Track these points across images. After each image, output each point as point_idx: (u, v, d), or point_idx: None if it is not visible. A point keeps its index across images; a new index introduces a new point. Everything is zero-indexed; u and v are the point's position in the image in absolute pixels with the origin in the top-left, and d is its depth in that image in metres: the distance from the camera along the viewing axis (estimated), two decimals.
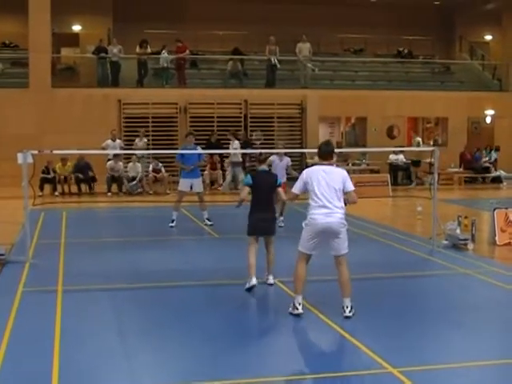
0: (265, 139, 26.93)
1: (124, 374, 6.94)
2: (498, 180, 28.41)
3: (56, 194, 23.64)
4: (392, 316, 8.95)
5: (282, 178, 15.16)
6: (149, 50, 28.86)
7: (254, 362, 7.36)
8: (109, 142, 24.62)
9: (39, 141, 23.89)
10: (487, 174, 29.01)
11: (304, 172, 8.99)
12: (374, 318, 8.69)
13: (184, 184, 16.43)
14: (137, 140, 25.74)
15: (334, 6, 33.40)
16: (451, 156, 27.84)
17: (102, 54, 28.61)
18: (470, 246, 13.49)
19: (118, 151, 24.33)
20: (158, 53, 28.87)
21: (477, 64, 35.50)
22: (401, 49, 34.96)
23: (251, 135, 27.41)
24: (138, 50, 28.68)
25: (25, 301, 9.58)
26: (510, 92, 31.83)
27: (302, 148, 27.66)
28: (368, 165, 28.46)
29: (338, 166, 9.97)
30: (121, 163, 24.67)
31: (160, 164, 24.71)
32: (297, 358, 7.57)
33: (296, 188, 8.94)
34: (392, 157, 27.72)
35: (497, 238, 14.06)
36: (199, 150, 16.89)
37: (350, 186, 8.75)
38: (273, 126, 28.67)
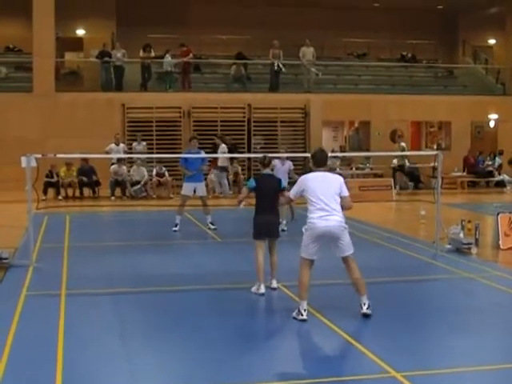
0: (268, 143, 26.94)
1: (126, 378, 6.94)
2: (501, 184, 28.36)
3: (59, 197, 23.67)
4: (395, 320, 8.94)
5: (285, 182, 15.18)
6: (152, 54, 28.90)
7: (256, 366, 7.35)
8: (112, 146, 24.66)
9: (43, 145, 23.93)
10: (491, 178, 28.98)
11: (301, 178, 9.14)
12: (377, 321, 8.68)
13: (187, 188, 16.42)
14: (134, 144, 25.81)
15: (337, 10, 33.45)
16: (454, 160, 27.81)
17: (106, 59, 28.64)
18: (474, 250, 13.47)
19: (121, 155, 24.36)
20: (162, 57, 28.91)
21: (480, 68, 35.48)
22: (404, 53, 34.94)
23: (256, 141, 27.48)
24: (141, 54, 28.72)
25: (28, 304, 9.59)
26: None
27: (305, 152, 27.62)
28: (372, 169, 28.45)
29: (334, 171, 10.01)
30: (124, 167, 24.69)
31: (164, 168, 24.72)
32: (299, 362, 7.56)
33: (292, 193, 9.17)
34: (395, 161, 27.69)
35: (500, 242, 14.03)
36: (203, 155, 16.89)
37: (346, 192, 8.90)
38: (276, 130, 28.68)
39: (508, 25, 33.81)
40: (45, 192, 22.72)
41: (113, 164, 24.50)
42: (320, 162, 9.06)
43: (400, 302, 10.08)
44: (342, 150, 29.00)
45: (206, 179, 19.46)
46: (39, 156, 12.51)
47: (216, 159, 24.98)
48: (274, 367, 7.29)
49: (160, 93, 28.49)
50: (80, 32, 33.31)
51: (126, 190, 24.37)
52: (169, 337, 8.28)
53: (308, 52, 29.57)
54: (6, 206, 20.63)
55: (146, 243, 15.16)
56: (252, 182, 10.58)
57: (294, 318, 8.78)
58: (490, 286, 10.89)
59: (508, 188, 27.81)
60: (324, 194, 8.69)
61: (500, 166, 29.52)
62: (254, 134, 28.09)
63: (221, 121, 27.93)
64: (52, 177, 23.69)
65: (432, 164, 20.94)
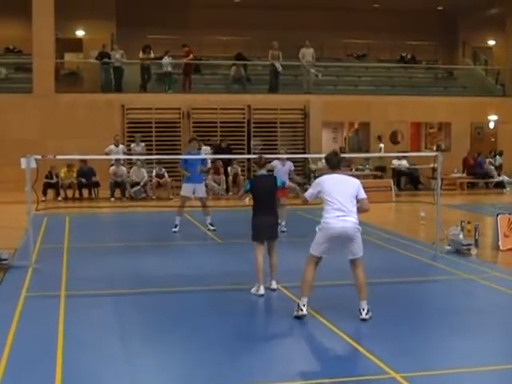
0: (267, 144, 26.93)
1: (126, 379, 6.94)
2: (501, 185, 28.36)
3: (59, 198, 23.67)
4: (395, 321, 8.94)
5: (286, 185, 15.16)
6: (152, 56, 28.89)
7: (256, 367, 7.35)
8: (112, 147, 24.66)
9: (42, 146, 23.92)
10: (490, 180, 28.98)
11: (317, 180, 9.16)
12: (377, 323, 8.68)
13: (186, 189, 16.42)
14: (133, 145, 25.80)
15: (337, 11, 33.45)
16: (454, 161, 27.80)
17: (105, 60, 28.63)
18: (474, 251, 13.47)
19: (120, 156, 24.35)
20: (161, 58, 28.90)
21: (480, 69, 35.47)
22: (404, 54, 34.95)
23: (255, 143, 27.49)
24: (141, 55, 28.71)
25: (28, 306, 9.59)
26: None
27: (304, 153, 27.67)
28: (371, 170, 28.45)
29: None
30: (123, 168, 24.68)
31: (163, 169, 24.73)
32: (298, 363, 7.54)
33: (308, 194, 9.09)
34: (395, 162, 27.72)
35: (500, 243, 14.04)
36: (203, 155, 16.90)
37: (363, 194, 8.88)
38: (276, 132, 28.67)
39: (508, 26, 33.81)
40: (44, 193, 22.71)
41: (112, 165, 24.50)
42: (335, 164, 9.06)
43: (400, 303, 10.08)
44: (342, 151, 28.98)
45: (205, 180, 19.47)
46: (39, 157, 12.51)
47: (215, 162, 25.01)
48: (274, 368, 7.28)
49: (159, 94, 28.48)
50: (80, 33, 33.31)
51: (125, 191, 24.36)
52: (168, 338, 8.27)
53: (308, 53, 29.58)
54: (5, 207, 20.63)
55: (146, 244, 15.16)
56: (246, 185, 10.61)
57: (295, 316, 8.78)
58: (490, 286, 10.89)
59: (508, 189, 27.80)
60: (340, 195, 8.69)
61: (500, 166, 29.50)
62: (254, 136, 28.09)
63: (220, 122, 27.92)
64: (51, 178, 23.68)
65: (432, 165, 20.94)
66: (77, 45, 32.76)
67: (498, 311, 9.66)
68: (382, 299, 9.68)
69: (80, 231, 17.12)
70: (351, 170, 27.63)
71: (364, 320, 8.70)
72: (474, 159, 29.17)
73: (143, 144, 26.08)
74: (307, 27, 31.92)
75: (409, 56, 34.90)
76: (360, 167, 28.44)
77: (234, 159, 25.49)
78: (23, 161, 12.09)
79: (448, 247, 13.64)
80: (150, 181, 24.75)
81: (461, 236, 13.90)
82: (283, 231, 15.30)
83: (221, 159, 24.83)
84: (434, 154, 14.99)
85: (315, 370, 7.38)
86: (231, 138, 27.04)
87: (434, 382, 6.87)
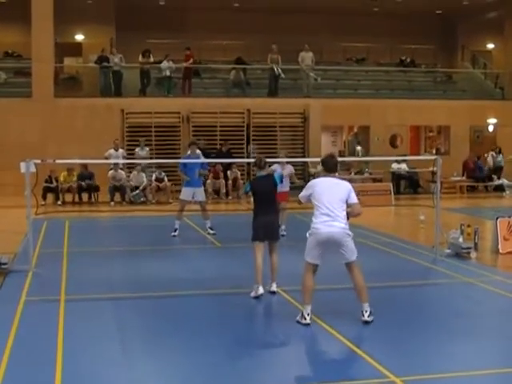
0: (267, 148, 26.94)
1: (125, 383, 6.95)
2: (500, 188, 28.35)
3: (59, 203, 23.67)
4: (395, 325, 8.94)
5: (285, 187, 15.15)
6: (151, 60, 28.90)
7: (256, 370, 7.35)
8: (111, 151, 24.65)
9: (42, 150, 23.88)
10: (490, 183, 28.98)
11: (310, 182, 9.17)
12: (376, 326, 8.67)
13: (186, 193, 16.42)
14: (137, 149, 25.75)
15: (336, 15, 33.47)
16: (454, 165, 27.80)
17: (105, 64, 28.64)
18: (473, 254, 13.47)
19: (120, 160, 24.35)
20: (161, 62, 28.90)
21: (479, 73, 35.51)
22: (403, 58, 34.99)
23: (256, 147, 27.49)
24: (140, 59, 28.71)
25: (28, 310, 9.58)
26: None
27: (304, 157, 27.67)
28: (371, 174, 28.45)
29: (342, 177, 9.99)
30: (122, 172, 24.68)
31: (163, 173, 24.73)
32: (298, 367, 7.55)
33: (301, 195, 9.11)
34: (395, 165, 27.72)
35: (500, 247, 14.04)
36: (202, 159, 16.90)
37: (355, 198, 8.86)
38: (275, 135, 28.67)
39: (506, 29, 33.83)
40: (44, 197, 22.73)
41: (111, 169, 24.49)
42: (330, 167, 9.07)
43: (400, 306, 10.08)
44: (341, 154, 29.00)
45: (205, 184, 19.48)
46: (38, 161, 12.52)
47: (215, 166, 25.02)
48: (273, 372, 7.29)
49: (159, 98, 28.49)
50: (79, 37, 33.31)
51: (125, 196, 24.36)
52: (168, 341, 8.27)
53: (307, 57, 29.60)
54: (5, 212, 20.64)
55: (146, 248, 15.14)
56: (247, 186, 10.65)
57: (298, 321, 8.78)
58: (490, 290, 10.88)
59: (507, 192, 27.79)
60: (329, 200, 8.69)
61: (500, 168, 29.43)
62: (254, 139, 28.09)
63: (220, 126, 27.93)
64: (51, 182, 23.68)
65: (431, 168, 20.94)
66: (76, 49, 32.77)
67: (498, 314, 9.67)
68: (381, 303, 9.67)
69: (80, 235, 17.12)
70: (350, 173, 27.65)
71: (366, 322, 8.69)
72: (474, 163, 29.15)
73: (148, 148, 26.06)
74: (306, 31, 31.96)
75: (408, 60, 34.95)
76: (359, 171, 28.45)
77: (234, 163, 25.49)
78: (23, 165, 12.10)
79: (448, 251, 13.64)
80: (150, 185, 24.75)
81: (460, 239, 13.89)
82: (283, 235, 15.28)
83: (220, 163, 24.84)
84: (434, 157, 14.96)
85: (315, 374, 7.38)
86: (231, 142, 27.03)
87: None
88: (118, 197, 24.35)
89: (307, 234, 8.86)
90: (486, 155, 29.97)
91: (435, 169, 13.86)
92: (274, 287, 10.42)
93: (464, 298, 10.67)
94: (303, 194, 9.06)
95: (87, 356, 7.69)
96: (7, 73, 29.88)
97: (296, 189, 11.73)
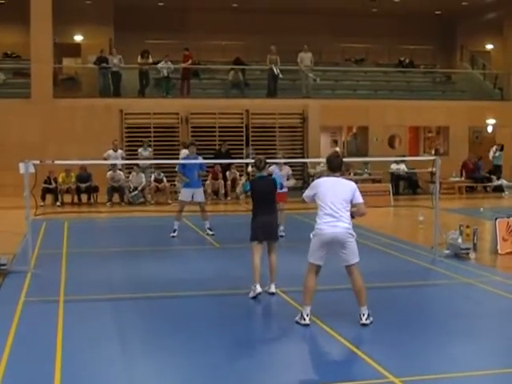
0: (266, 149, 26.94)
1: (125, 383, 6.97)
2: (499, 189, 28.35)
3: (58, 204, 23.66)
4: (394, 325, 8.94)
5: (284, 188, 15.14)
6: (150, 60, 28.90)
7: (255, 371, 7.34)
8: (110, 152, 24.64)
9: (41, 151, 23.90)
10: (489, 184, 28.98)
11: (314, 182, 9.10)
12: (376, 327, 8.67)
13: (185, 194, 16.41)
14: (140, 150, 25.70)
15: (335, 15, 33.50)
16: (453, 165, 27.81)
17: (103, 65, 28.64)
18: (472, 255, 13.47)
19: (119, 161, 24.34)
20: (159, 63, 28.89)
21: (478, 73, 35.52)
22: (402, 58, 35.00)
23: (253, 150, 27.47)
24: (139, 60, 28.72)
25: (27, 311, 9.58)
26: (511, 101, 31.83)
27: (303, 157, 27.68)
28: (370, 174, 28.45)
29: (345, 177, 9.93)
30: (121, 173, 24.66)
31: (162, 174, 24.72)
32: (298, 368, 7.54)
33: (305, 195, 9.04)
34: (394, 166, 27.72)
35: (499, 247, 14.04)
36: (200, 160, 16.90)
37: (359, 198, 8.79)
38: (274, 136, 28.68)
39: (505, 30, 33.86)
40: (43, 198, 22.72)
41: (110, 170, 24.47)
42: (334, 166, 8.95)
43: (398, 307, 10.07)
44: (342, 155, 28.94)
45: (204, 185, 19.46)
46: (37, 162, 12.51)
47: (214, 167, 25.02)
48: (273, 373, 7.28)
49: (158, 99, 28.49)
50: (78, 38, 33.32)
51: (124, 196, 24.35)
52: (167, 342, 8.27)
53: (306, 57, 29.61)
54: (4, 212, 20.63)
55: (145, 249, 15.14)
56: (246, 185, 10.66)
57: (297, 322, 8.77)
58: (489, 290, 10.88)
59: (506, 193, 27.79)
60: (333, 200, 8.63)
61: (499, 167, 29.40)
62: (252, 140, 28.09)
63: (219, 127, 27.94)
64: (50, 183, 23.67)
65: (430, 169, 20.94)
66: (75, 50, 32.77)
67: (497, 315, 9.67)
68: (380, 303, 9.67)
69: (79, 236, 17.12)
70: (350, 174, 27.63)
71: (364, 325, 8.68)
72: (474, 163, 29.13)
73: (150, 149, 26.03)
74: (305, 32, 32.00)
75: (407, 60, 34.95)
76: (359, 171, 28.44)
77: (233, 164, 25.50)
78: (21, 166, 12.09)
79: (447, 251, 13.64)
80: (149, 186, 24.74)
81: (459, 240, 13.88)
82: (282, 236, 15.29)
83: (219, 164, 24.85)
84: (433, 158, 14.96)
85: (314, 375, 7.38)
86: (230, 143, 27.04)
87: None
88: (116, 197, 24.35)
89: (311, 235, 8.81)
90: (490, 151, 29.84)
91: (434, 169, 13.86)
92: (272, 288, 10.41)
93: (463, 298, 10.67)
94: (307, 193, 8.99)
95: (86, 357, 7.69)
96: (6, 74, 29.88)
97: (295, 189, 11.72)
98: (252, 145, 27.94)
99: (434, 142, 33.87)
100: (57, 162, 14.74)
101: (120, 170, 24.92)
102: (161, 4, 32.89)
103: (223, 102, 28.47)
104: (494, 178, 28.92)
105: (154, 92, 29.42)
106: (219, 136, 27.63)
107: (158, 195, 24.82)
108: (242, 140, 28.03)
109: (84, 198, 24.51)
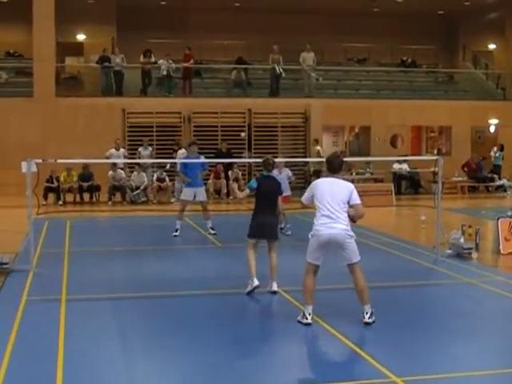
0: (268, 148, 26.95)
1: (126, 383, 6.95)
2: (502, 189, 28.32)
3: (60, 203, 23.67)
4: (396, 325, 8.93)
5: (286, 191, 15.13)
6: (153, 60, 28.90)
7: (257, 371, 7.34)
8: (113, 151, 24.65)
9: (43, 150, 23.91)
10: (491, 183, 28.96)
11: (312, 183, 9.06)
12: (377, 327, 8.66)
13: (187, 193, 16.42)
14: (141, 149, 25.68)
15: (337, 15, 33.51)
16: (455, 165, 27.81)
17: (106, 64, 28.64)
18: (474, 255, 13.46)
19: (121, 160, 24.35)
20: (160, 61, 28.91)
21: (480, 73, 35.49)
22: (404, 58, 34.98)
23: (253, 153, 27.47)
24: (141, 59, 28.72)
25: (29, 309, 9.59)
26: None
27: (305, 157, 27.67)
28: (372, 174, 28.45)
29: (344, 177, 9.88)
30: (122, 172, 24.65)
31: (164, 173, 24.73)
32: (299, 368, 7.54)
33: (304, 198, 9.04)
34: (396, 166, 27.71)
35: (501, 247, 14.03)
36: (202, 159, 16.89)
37: (357, 199, 8.74)
38: (276, 135, 28.68)
39: (508, 30, 33.84)
40: (45, 197, 22.74)
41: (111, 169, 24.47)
42: (333, 167, 8.91)
43: (401, 307, 10.07)
44: (343, 155, 28.89)
45: (206, 184, 19.47)
46: (39, 161, 12.52)
47: (216, 166, 25.03)
48: (274, 373, 7.28)
49: (160, 98, 28.49)
50: (80, 37, 33.34)
51: (125, 195, 24.35)
52: (169, 341, 8.27)
53: (308, 57, 29.59)
54: (6, 211, 20.65)
55: (147, 248, 15.15)
56: (254, 183, 10.65)
57: (299, 321, 8.76)
58: (491, 290, 10.88)
59: (508, 193, 27.77)
60: (330, 201, 8.61)
61: (499, 167, 29.42)
62: (255, 139, 28.08)
63: (221, 126, 27.94)
64: (52, 182, 23.69)
65: (432, 169, 20.93)
66: (77, 49, 32.80)
67: (499, 315, 9.66)
68: (382, 303, 9.66)
69: (81, 235, 17.12)
70: (351, 173, 27.63)
71: (367, 324, 8.67)
72: (476, 163, 29.12)
73: (151, 148, 26.01)
74: (308, 31, 32.02)
75: (409, 60, 34.93)
76: (361, 171, 28.45)
77: (235, 163, 25.51)
78: (24, 165, 12.10)
79: (449, 251, 13.63)
80: (151, 185, 24.74)
81: (462, 240, 13.88)
82: (287, 235, 15.55)
83: (221, 163, 24.85)
84: (435, 157, 14.96)
85: (315, 374, 7.37)
86: (232, 142, 27.04)
87: None
88: (118, 197, 24.36)
89: (309, 235, 8.82)
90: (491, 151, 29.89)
91: (436, 169, 13.86)
92: (274, 287, 10.42)
93: (465, 298, 10.66)
94: (306, 195, 8.99)
95: (88, 356, 7.69)
96: (9, 72, 29.92)
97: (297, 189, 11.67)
98: (254, 144, 27.92)
99: (436, 141, 33.88)
100: (59, 160, 14.80)
101: (122, 169, 24.93)
102: (163, 3, 32.91)
103: (225, 102, 28.47)
104: (496, 177, 28.89)
105: (157, 91, 29.41)
106: (221, 135, 27.62)
107: (160, 194, 24.81)
108: (245, 139, 28.00)
109: (86, 197, 24.52)
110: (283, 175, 15.94)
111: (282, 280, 10.55)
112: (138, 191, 24.39)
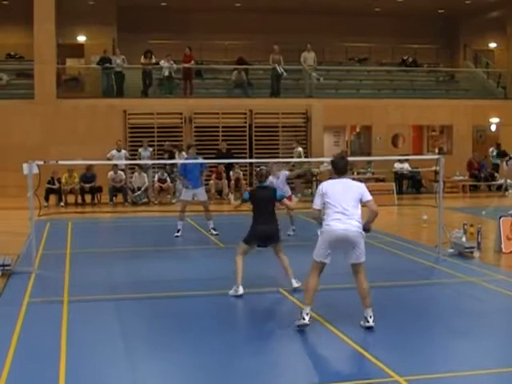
0: (269, 149, 26.95)
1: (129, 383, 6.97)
2: (502, 188, 28.28)
3: (61, 204, 23.68)
4: (398, 324, 8.93)
5: (286, 193, 15.03)
6: (153, 61, 28.89)
7: (259, 371, 7.33)
8: (114, 152, 24.65)
9: (45, 151, 23.93)
10: (492, 182, 28.94)
11: (320, 185, 8.92)
12: (379, 326, 8.64)
13: (186, 194, 16.48)
14: (140, 150, 25.68)
15: (338, 15, 33.47)
16: (456, 164, 27.79)
17: (107, 65, 28.65)
18: (476, 254, 13.46)
19: (123, 161, 24.36)
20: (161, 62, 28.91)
21: (481, 72, 35.43)
22: (405, 57, 34.93)
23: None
24: (142, 60, 28.70)
25: (31, 311, 9.59)
26: None
27: (306, 157, 27.64)
28: (373, 173, 28.44)
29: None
30: (121, 173, 24.64)
31: (165, 174, 24.73)
32: (300, 368, 7.54)
33: (315, 203, 8.75)
34: (397, 165, 27.69)
35: (503, 246, 14.02)
36: (200, 160, 16.96)
37: (368, 196, 8.65)
38: (277, 136, 28.67)
39: (509, 29, 33.82)
40: (46, 199, 22.74)
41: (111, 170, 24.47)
42: (340, 169, 8.81)
43: (402, 306, 10.07)
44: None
45: (207, 185, 19.47)
46: (41, 163, 12.54)
47: (218, 167, 25.03)
48: (277, 373, 7.29)
49: (161, 99, 28.49)
50: (81, 38, 33.30)
51: (126, 197, 24.35)
52: (171, 343, 8.27)
53: (309, 57, 29.57)
54: (8, 213, 20.64)
55: (148, 249, 15.15)
56: (246, 195, 11.00)
57: (297, 325, 8.57)
58: (493, 289, 10.88)
59: (510, 192, 27.75)
60: (342, 200, 8.48)
61: (497, 166, 29.44)
62: (259, 140, 28.06)
63: (222, 126, 27.92)
64: (53, 183, 23.69)
65: (434, 168, 20.92)
66: (78, 50, 32.75)
67: (501, 314, 9.66)
68: (384, 302, 9.67)
69: (82, 237, 17.13)
70: (353, 173, 27.61)
71: (369, 328, 8.54)
72: (478, 162, 29.12)
73: (151, 149, 26.00)
74: (308, 31, 31.99)
75: (410, 59, 34.88)
76: (362, 171, 28.43)
77: (236, 163, 25.50)
78: (25, 166, 12.12)
79: (451, 250, 13.63)
80: (153, 186, 24.75)
81: (463, 239, 13.90)
82: (289, 235, 15.74)
83: (222, 163, 24.85)
84: (436, 157, 14.96)
85: (317, 374, 7.37)
86: (233, 143, 27.05)
87: None
88: (120, 198, 24.37)
89: (318, 232, 8.70)
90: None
91: (438, 168, 13.85)
92: (294, 283, 10.55)
93: (467, 297, 10.67)
94: (316, 200, 8.73)
95: (90, 357, 7.70)
96: (9, 74, 29.89)
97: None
98: (255, 145, 27.90)
99: (437, 140, 33.86)
100: (60, 162, 14.74)
101: (123, 170, 24.93)
102: (163, 4, 32.88)
103: (226, 102, 28.46)
104: (497, 176, 28.88)
105: (158, 92, 29.43)
106: (222, 136, 27.61)
107: (161, 195, 24.80)
108: (246, 140, 28.01)
109: (88, 198, 24.53)
110: (281, 179, 15.83)
111: (284, 281, 10.57)
112: (138, 192, 24.39)
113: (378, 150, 29.07)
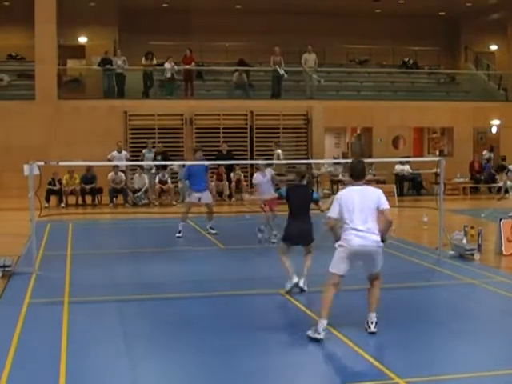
0: (270, 150, 26.95)
1: None
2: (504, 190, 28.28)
3: (62, 205, 23.68)
4: (398, 326, 8.92)
5: (270, 194, 14.50)
6: (154, 62, 28.90)
7: (261, 373, 7.33)
8: (114, 153, 24.67)
9: (45, 152, 23.96)
10: (493, 184, 28.93)
11: (337, 195, 8.67)
12: (380, 328, 8.63)
13: (192, 196, 16.56)
14: (145, 151, 25.64)
15: (338, 16, 33.49)
16: (457, 166, 27.79)
17: (108, 66, 28.67)
18: (477, 256, 13.45)
19: (123, 162, 24.35)
20: (163, 64, 28.90)
21: (482, 74, 35.46)
22: (406, 59, 34.92)
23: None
24: (143, 61, 28.72)
25: (31, 312, 9.59)
26: None
27: (307, 159, 27.66)
28: (374, 175, 28.41)
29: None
30: (122, 174, 24.63)
31: (166, 175, 24.73)
32: (302, 370, 7.52)
33: (332, 212, 8.44)
34: (398, 167, 27.69)
35: (503, 248, 14.01)
36: (204, 162, 17.02)
37: (385, 204, 8.44)
38: (278, 137, 28.65)
39: (510, 30, 33.86)
40: (47, 200, 22.74)
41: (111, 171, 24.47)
42: (357, 174, 8.54)
43: (403, 308, 10.07)
44: (345, 156, 28.96)
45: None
46: (41, 164, 12.54)
47: (218, 168, 25.05)
48: (278, 375, 7.28)
49: (162, 100, 28.52)
50: (82, 39, 33.36)
51: (127, 198, 24.35)
52: (172, 344, 8.27)
53: (310, 58, 29.59)
54: (8, 214, 20.66)
55: (149, 250, 15.16)
56: (283, 191, 11.02)
57: (310, 336, 8.22)
58: (493, 291, 10.87)
59: (510, 194, 27.71)
60: (361, 213, 8.25)
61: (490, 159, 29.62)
62: (260, 141, 28.07)
63: (223, 128, 27.94)
64: (54, 184, 23.70)
65: (434, 170, 20.92)
66: (79, 51, 32.80)
67: (502, 316, 9.66)
68: (385, 304, 9.63)
69: (83, 238, 17.14)
70: None
71: (372, 333, 8.47)
72: (480, 164, 29.12)
73: (155, 150, 26.00)
74: (309, 33, 31.98)
75: (411, 61, 34.87)
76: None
77: (237, 165, 25.51)
78: (26, 167, 12.12)
79: (451, 252, 13.63)
80: (154, 187, 24.75)
81: (464, 241, 13.89)
82: (273, 242, 14.43)
83: (223, 165, 24.85)
84: (437, 158, 14.96)
85: (318, 376, 7.36)
86: (234, 144, 27.07)
87: None
88: (121, 199, 24.38)
89: (336, 245, 8.44)
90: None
91: (438, 170, 13.85)
92: (301, 283, 10.57)
93: (468, 299, 10.67)
94: (333, 209, 8.42)
95: (91, 358, 7.70)
96: (11, 75, 29.93)
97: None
98: (256, 146, 27.91)
99: (438, 142, 33.86)
100: (61, 163, 14.75)
101: (123, 171, 24.92)
102: (165, 5, 32.90)
103: (227, 104, 28.47)
104: (498, 178, 28.86)
105: (159, 93, 29.44)
106: (223, 137, 27.61)
107: (162, 196, 24.79)
108: (246, 141, 28.03)
109: (88, 199, 24.54)
110: (267, 178, 15.38)
111: (285, 282, 10.57)
112: (139, 193, 24.39)
113: (379, 152, 29.06)
